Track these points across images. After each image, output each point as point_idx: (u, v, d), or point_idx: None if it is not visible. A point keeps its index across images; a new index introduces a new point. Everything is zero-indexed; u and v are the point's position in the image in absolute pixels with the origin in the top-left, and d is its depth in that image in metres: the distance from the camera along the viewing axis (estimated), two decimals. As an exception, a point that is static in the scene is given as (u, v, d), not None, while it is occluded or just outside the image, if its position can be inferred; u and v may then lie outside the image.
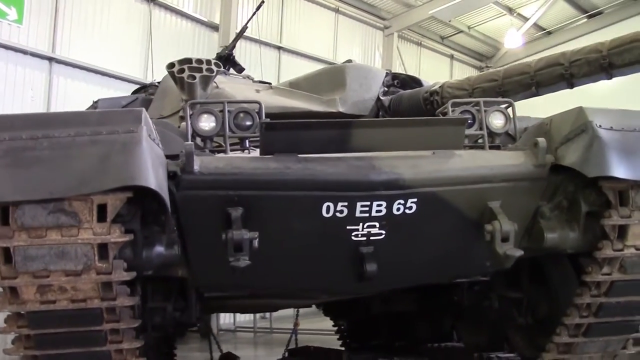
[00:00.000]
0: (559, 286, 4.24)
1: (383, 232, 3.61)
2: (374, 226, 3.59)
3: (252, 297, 4.60)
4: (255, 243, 3.34)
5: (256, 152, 3.73)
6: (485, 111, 3.95)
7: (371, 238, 3.63)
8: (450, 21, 19.98)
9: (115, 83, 13.16)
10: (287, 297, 4.77)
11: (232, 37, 14.60)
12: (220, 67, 5.10)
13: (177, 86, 5.11)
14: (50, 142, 3.00)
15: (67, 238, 2.98)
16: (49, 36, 12.20)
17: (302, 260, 3.77)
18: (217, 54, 7.46)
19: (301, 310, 9.35)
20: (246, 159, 3.49)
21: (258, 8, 8.42)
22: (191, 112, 3.72)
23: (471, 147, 3.93)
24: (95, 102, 6.29)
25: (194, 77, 4.96)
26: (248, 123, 3.83)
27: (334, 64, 17.27)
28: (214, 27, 15.34)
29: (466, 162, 3.57)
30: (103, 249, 3.04)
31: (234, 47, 7.42)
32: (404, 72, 7.31)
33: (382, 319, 6.53)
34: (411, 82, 5.71)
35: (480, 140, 3.97)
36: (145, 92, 6.51)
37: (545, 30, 21.46)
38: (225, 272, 3.40)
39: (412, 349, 6.06)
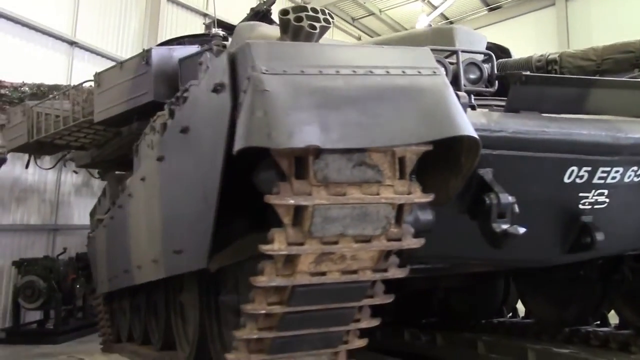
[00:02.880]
0: None
1: (607, 200, 3.41)
2: (603, 194, 3.38)
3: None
4: (516, 208, 2.99)
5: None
6: None
7: (595, 207, 3.41)
8: (365, 2, 20.01)
9: (37, 37, 11.78)
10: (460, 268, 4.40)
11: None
12: (333, 19, 4.58)
13: (287, 36, 4.53)
14: (348, 81, 2.46)
15: (370, 197, 2.47)
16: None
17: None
18: (252, 9, 6.80)
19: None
20: (503, 116, 3.12)
21: None
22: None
23: None
24: (148, 50, 5.46)
25: (314, 27, 4.42)
26: (473, 76, 3.44)
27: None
28: (144, -13, 14.25)
29: None
30: (399, 211, 2.56)
31: (273, 2, 6.78)
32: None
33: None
34: (500, 52, 5.50)
35: None
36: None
37: (448, 19, 22.14)
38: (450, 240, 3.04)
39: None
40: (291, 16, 4.34)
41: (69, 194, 12.76)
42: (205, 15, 15.92)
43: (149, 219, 4.29)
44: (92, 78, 6.10)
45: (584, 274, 4.85)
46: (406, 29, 21.83)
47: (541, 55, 4.94)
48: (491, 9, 21.44)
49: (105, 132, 6.50)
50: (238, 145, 2.37)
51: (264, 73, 2.35)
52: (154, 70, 5.33)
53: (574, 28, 19.58)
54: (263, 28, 5.16)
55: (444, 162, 2.74)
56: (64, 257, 11.71)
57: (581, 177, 3.25)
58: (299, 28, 4.35)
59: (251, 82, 2.36)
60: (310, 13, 4.35)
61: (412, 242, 2.63)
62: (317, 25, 4.31)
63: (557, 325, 5.38)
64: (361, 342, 3.07)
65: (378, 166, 2.50)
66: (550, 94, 3.23)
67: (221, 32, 5.87)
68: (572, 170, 3.22)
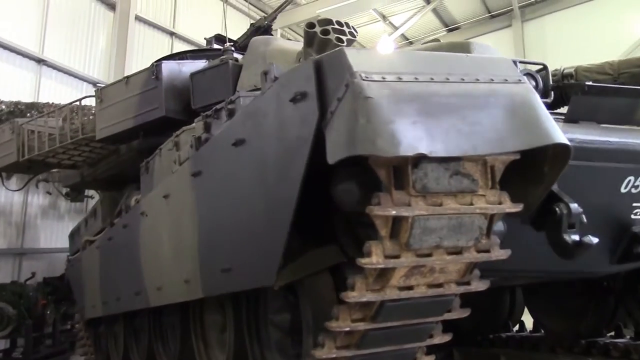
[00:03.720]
0: None
1: (657, 210, 3.44)
2: (654, 204, 3.40)
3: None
4: (584, 218, 2.98)
5: None
6: None
7: (646, 216, 3.43)
8: (328, 23, 20.08)
9: (5, 54, 11.40)
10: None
11: (131, 17, 13.53)
12: (357, 32, 4.57)
13: (311, 49, 4.48)
14: (444, 88, 2.42)
15: (465, 207, 2.41)
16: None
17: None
18: (252, 24, 6.71)
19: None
20: (566, 126, 3.11)
21: None
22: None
23: None
24: (157, 65, 5.29)
25: (341, 40, 4.39)
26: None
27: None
28: (111, 5, 13.96)
29: None
30: (490, 221, 2.51)
31: (274, 18, 6.71)
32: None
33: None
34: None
35: None
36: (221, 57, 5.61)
37: (408, 40, 22.48)
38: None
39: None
40: (318, 29, 4.32)
41: (35, 216, 12.31)
42: (172, 34, 15.75)
43: (176, 238, 4.13)
44: (87, 95, 5.89)
45: (606, 285, 4.89)
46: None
47: (556, 70, 5.00)
48: (450, 30, 21.86)
49: (102, 149, 6.27)
50: (339, 155, 2.28)
51: (364, 80, 2.27)
52: (165, 84, 5.18)
53: (530, 48, 20.20)
54: (279, 42, 5.11)
55: (524, 171, 2.70)
56: (32, 282, 11.26)
57: (636, 186, 3.27)
58: (326, 41, 4.32)
59: (350, 89, 2.28)
60: (336, 26, 4.32)
61: (499, 254, 2.58)
62: (344, 38, 4.28)
63: (572, 337, 5.39)
64: (429, 359, 2.99)
65: (472, 175, 2.44)
66: (606, 104, 3.24)
67: (231, 47, 5.76)
68: (629, 180, 3.23)
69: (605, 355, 5.01)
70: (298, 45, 5.19)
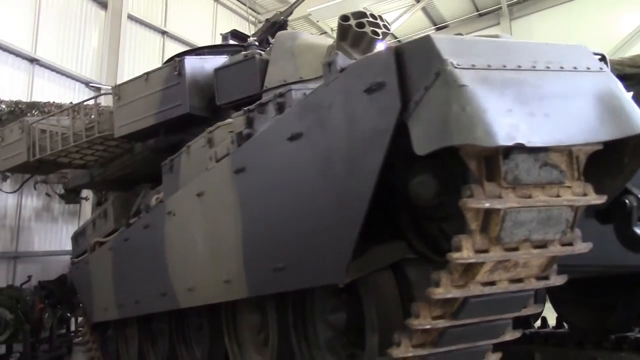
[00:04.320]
0: None
1: None
2: None
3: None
4: (650, 213, 2.93)
5: None
6: None
7: None
8: (317, 22, 20.04)
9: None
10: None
11: (124, 15, 13.36)
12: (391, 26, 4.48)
13: (345, 43, 4.39)
14: (532, 76, 2.35)
15: (554, 199, 2.35)
16: None
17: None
18: (268, 19, 6.59)
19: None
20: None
21: None
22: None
23: None
24: (179, 60, 5.14)
25: (377, 34, 4.31)
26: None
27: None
28: (103, 4, 13.75)
29: None
30: (575, 213, 2.45)
31: (290, 13, 6.60)
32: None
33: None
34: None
35: None
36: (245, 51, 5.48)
37: (397, 39, 22.45)
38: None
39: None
40: (352, 22, 4.22)
41: (29, 219, 12.09)
42: (164, 32, 15.57)
43: (213, 237, 4.01)
44: (102, 92, 5.72)
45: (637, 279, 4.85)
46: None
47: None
48: (438, 28, 21.89)
49: (116, 148, 6.12)
50: (431, 146, 2.20)
51: (456, 67, 2.19)
52: (188, 81, 5.05)
53: (518, 46, 20.23)
54: (305, 36, 5.02)
55: (603, 163, 2.64)
56: (28, 285, 11.03)
57: None
58: (362, 34, 4.24)
59: (442, 77, 2.20)
60: (370, 19, 4.24)
61: (582, 247, 2.52)
62: (379, 31, 4.20)
63: (599, 333, 5.36)
64: (497, 356, 2.92)
65: (559, 166, 2.38)
66: (666, 95, 3.19)
67: (255, 41, 5.65)
68: None
69: (638, 350, 4.97)
70: (324, 39, 5.11)
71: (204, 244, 4.15)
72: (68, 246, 12.89)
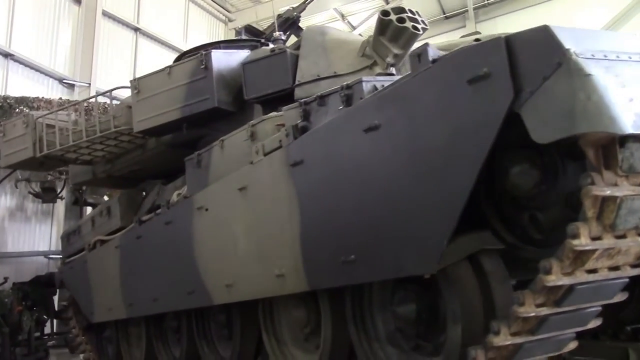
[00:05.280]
0: None
1: None
2: None
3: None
4: None
5: None
6: None
7: None
8: (287, 21, 19.98)
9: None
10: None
11: (98, 11, 13.10)
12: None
13: (384, 37, 4.41)
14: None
15: (658, 187, 2.41)
16: None
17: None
18: (280, 15, 6.54)
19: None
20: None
21: None
22: None
23: None
24: (206, 54, 5.05)
25: (417, 29, 4.34)
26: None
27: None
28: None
29: None
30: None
31: (303, 9, 6.56)
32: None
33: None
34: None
35: None
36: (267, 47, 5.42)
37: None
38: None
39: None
40: (393, 17, 4.23)
41: (2, 219, 11.71)
42: (136, 29, 15.30)
43: (260, 231, 3.97)
44: (121, 86, 5.58)
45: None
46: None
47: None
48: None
49: (129, 143, 5.97)
50: (554, 135, 2.24)
51: (579, 57, 2.22)
52: (215, 74, 4.97)
53: (483, 48, 20.63)
54: (334, 31, 5.02)
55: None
56: (3, 288, 10.69)
57: None
58: (402, 29, 4.26)
59: (565, 67, 2.23)
60: (409, 14, 4.26)
61: (680, 233, 2.58)
62: (419, 27, 4.23)
63: (614, 325, 5.48)
64: (574, 344, 2.98)
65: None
66: None
67: (283, 36, 5.60)
68: None
69: (657, 341, 5.10)
70: (352, 35, 5.11)
71: (248, 238, 4.10)
72: (42, 246, 12.63)
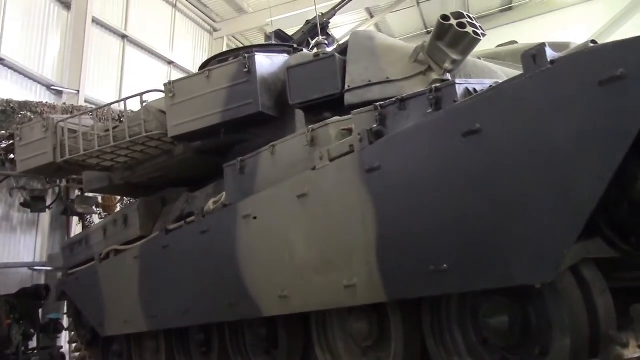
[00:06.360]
0: None
1: None
2: None
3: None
4: None
5: None
6: None
7: None
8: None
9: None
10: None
11: (88, 18, 12.81)
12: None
13: (442, 42, 4.33)
14: None
15: None
16: None
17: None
18: (308, 21, 6.40)
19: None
20: None
21: None
22: None
23: None
24: (249, 57, 4.87)
25: (478, 35, 4.27)
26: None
27: (173, 62, 16.41)
28: (66, 5, 13.13)
29: None
30: None
31: (333, 15, 6.44)
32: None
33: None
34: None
35: None
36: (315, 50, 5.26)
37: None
38: None
39: None
40: (453, 22, 4.15)
41: (-15, 229, 11.28)
42: (124, 36, 15.02)
43: (324, 240, 3.81)
44: (148, 91, 5.35)
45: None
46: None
47: None
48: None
49: (156, 149, 5.74)
50: None
51: None
52: (259, 78, 4.80)
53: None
54: (381, 36, 4.94)
55: None
56: (-9, 300, 10.28)
57: None
58: (463, 35, 4.19)
59: None
60: (469, 20, 4.19)
61: None
62: (480, 32, 4.16)
63: (624, 318, 5.46)
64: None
65: None
66: None
67: (325, 40, 5.46)
68: None
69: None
70: (399, 42, 5.00)
71: (308, 247, 3.94)
72: (27, 258, 12.17)
